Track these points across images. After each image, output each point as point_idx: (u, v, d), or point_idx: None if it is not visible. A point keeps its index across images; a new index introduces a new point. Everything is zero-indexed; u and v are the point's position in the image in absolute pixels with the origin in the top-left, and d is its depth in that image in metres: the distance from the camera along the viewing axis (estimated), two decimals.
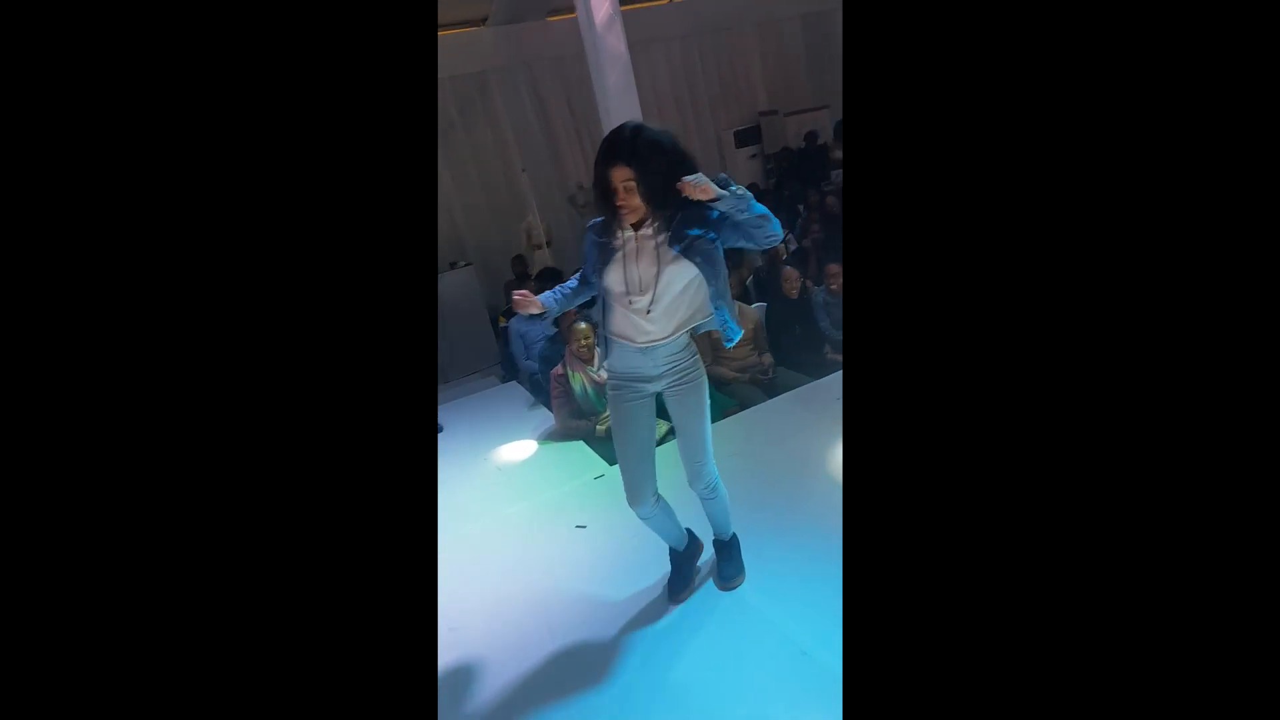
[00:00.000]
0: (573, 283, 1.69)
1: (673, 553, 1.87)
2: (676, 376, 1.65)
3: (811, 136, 6.43)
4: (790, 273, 3.20)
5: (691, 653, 1.65)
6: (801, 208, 5.11)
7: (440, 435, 3.23)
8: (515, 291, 1.61)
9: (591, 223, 1.58)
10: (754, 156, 6.69)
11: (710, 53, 6.64)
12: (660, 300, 1.53)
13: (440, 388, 4.24)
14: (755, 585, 1.82)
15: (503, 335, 4.49)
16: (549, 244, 5.72)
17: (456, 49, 5.48)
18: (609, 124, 4.23)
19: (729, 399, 3.08)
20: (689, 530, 1.91)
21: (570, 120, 6.20)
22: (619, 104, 4.11)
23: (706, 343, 3.20)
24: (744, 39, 6.80)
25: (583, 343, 2.93)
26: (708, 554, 1.94)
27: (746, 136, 6.68)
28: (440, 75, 5.50)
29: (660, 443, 2.78)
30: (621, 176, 1.41)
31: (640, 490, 1.71)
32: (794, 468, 2.38)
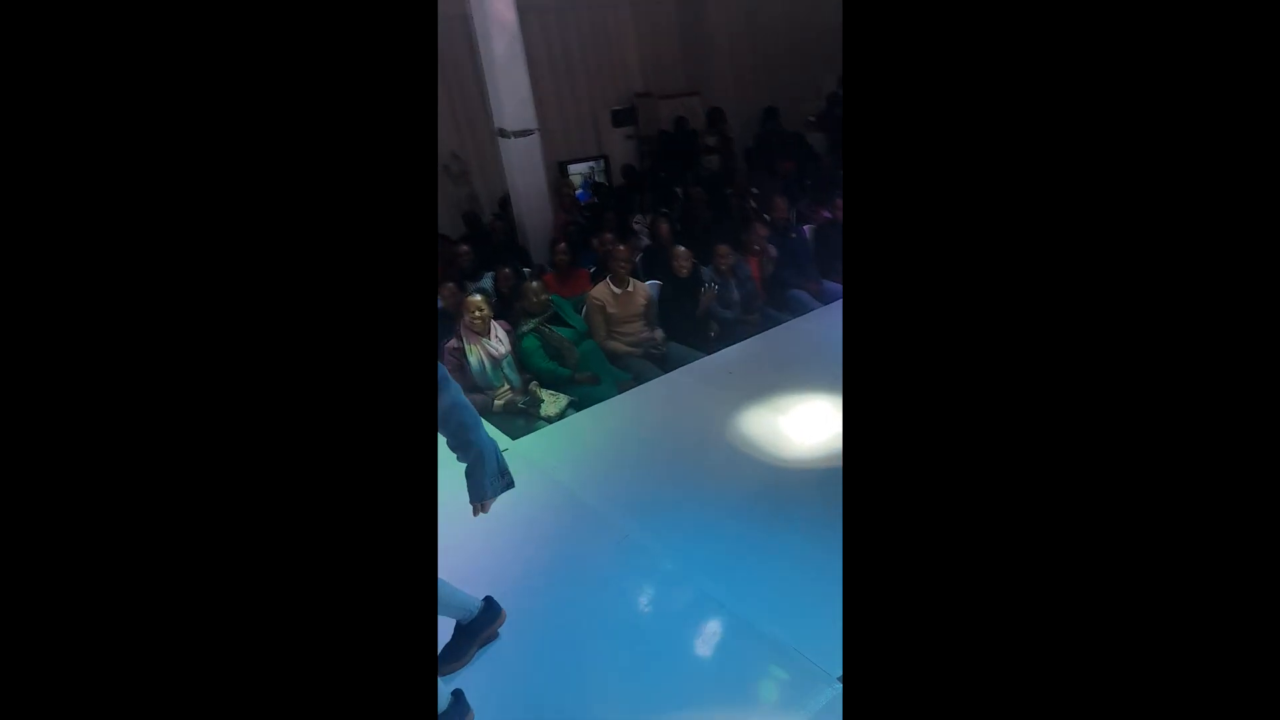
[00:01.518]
0: None
1: (456, 624, 1.67)
2: None
3: (681, 122, 6.64)
4: (681, 252, 3.34)
5: (619, 607, 1.74)
6: (680, 190, 5.29)
7: None
8: None
9: None
10: (630, 137, 6.78)
11: (588, 28, 6.60)
12: None
13: None
14: (669, 546, 1.93)
15: None
16: None
17: None
18: (496, 93, 4.11)
19: (623, 373, 3.18)
20: (487, 599, 1.71)
21: (443, 88, 5.91)
22: (506, 73, 4.01)
23: (601, 317, 3.27)
24: (620, 17, 6.83)
25: (476, 315, 2.88)
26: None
27: (623, 116, 6.74)
28: None
29: (560, 417, 2.83)
30: None
31: None
32: (695, 437, 2.53)
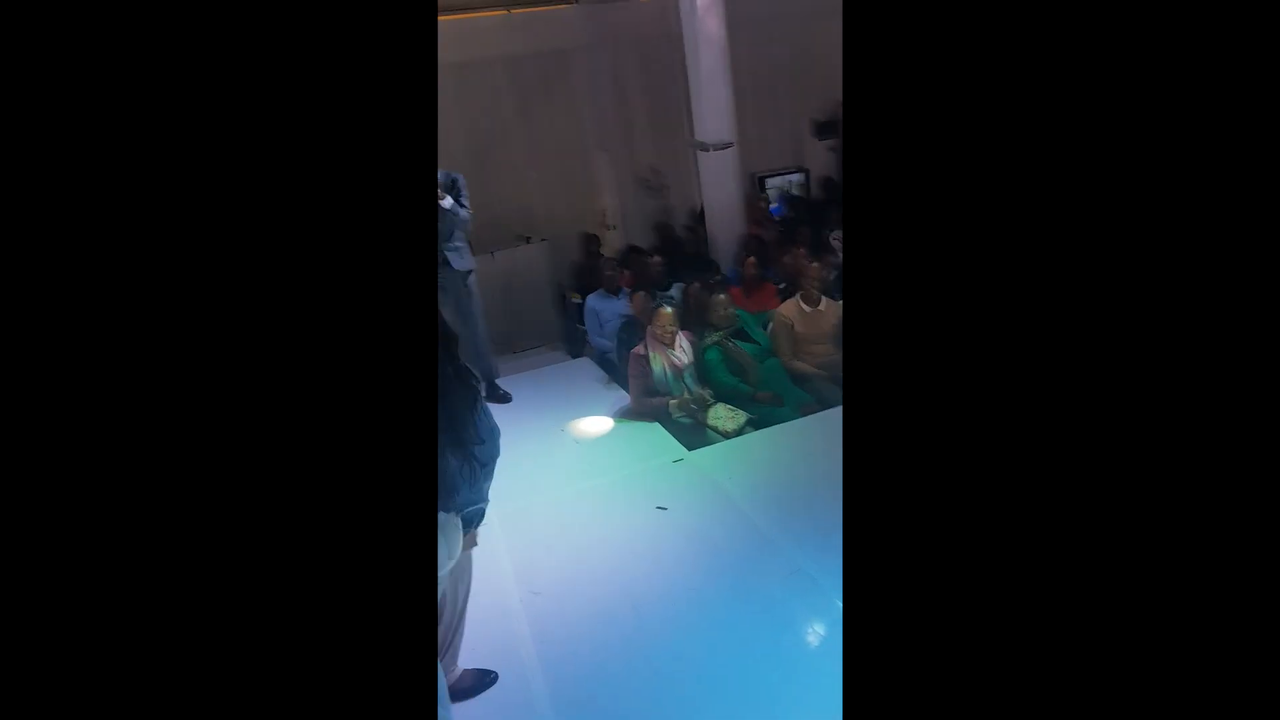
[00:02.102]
0: None
1: None
2: None
3: None
4: None
5: (782, 637, 1.65)
6: None
7: (510, 405, 3.29)
8: None
9: None
10: (833, 149, 6.52)
11: (797, 40, 6.49)
12: None
13: (505, 359, 4.29)
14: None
15: (570, 311, 4.51)
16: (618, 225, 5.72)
17: (542, 26, 5.48)
18: (699, 109, 4.18)
19: (806, 395, 3.04)
20: None
21: (647, 104, 6.16)
22: (710, 87, 4.06)
23: (788, 336, 3.16)
24: (830, 27, 6.62)
25: (667, 327, 2.93)
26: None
27: (826, 128, 6.52)
28: (523, 51, 5.51)
29: (738, 433, 2.77)
30: None
31: None
32: None
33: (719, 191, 4.28)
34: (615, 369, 3.49)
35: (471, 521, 1.44)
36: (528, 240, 5.29)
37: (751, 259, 3.76)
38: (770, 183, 6.01)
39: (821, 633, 1.68)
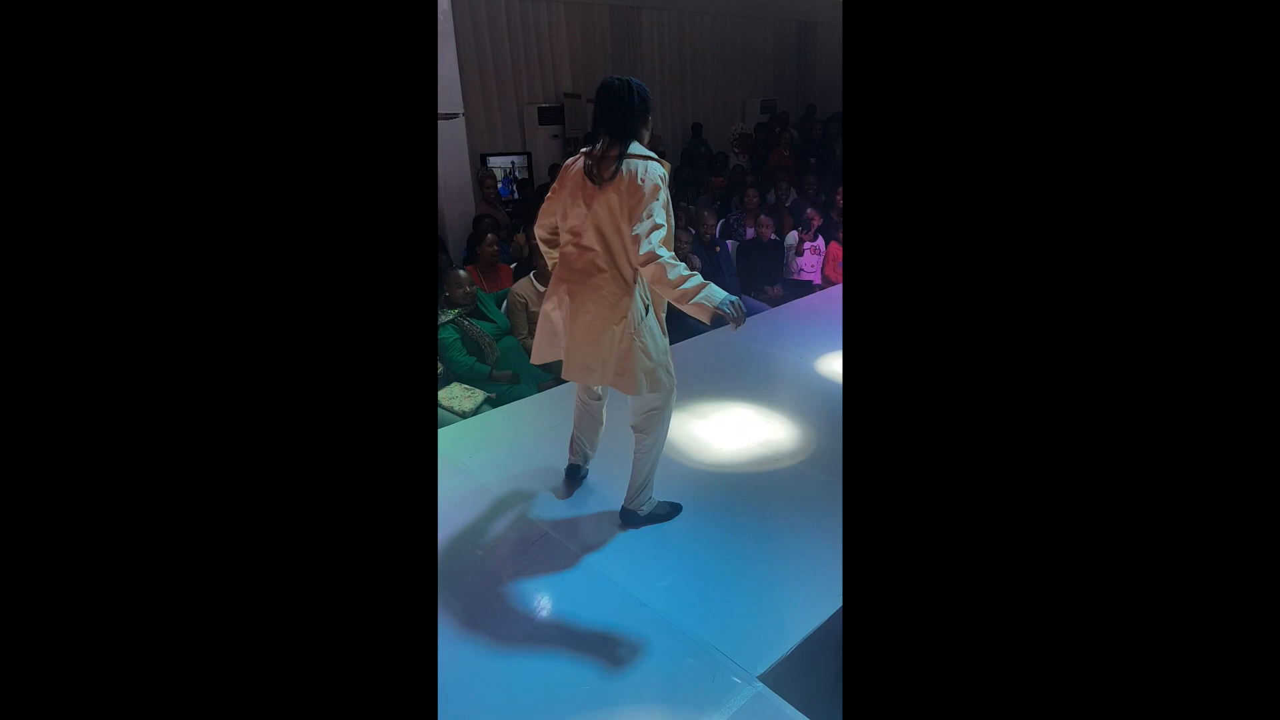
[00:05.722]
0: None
1: None
2: None
3: None
4: None
5: (531, 601, 1.69)
6: None
7: None
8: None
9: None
10: (556, 136, 6.70)
11: (519, 22, 6.49)
12: None
13: None
14: (586, 544, 1.90)
15: None
16: None
17: None
18: None
19: (545, 373, 3.11)
20: None
21: None
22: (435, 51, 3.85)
23: (523, 314, 3.19)
24: (553, 16, 6.77)
25: None
26: None
27: (550, 115, 6.66)
28: None
29: (475, 413, 2.72)
30: None
31: None
32: (614, 439, 2.50)
33: (446, 164, 4.11)
34: None
35: None
36: None
37: (491, 236, 3.69)
38: (493, 161, 5.95)
39: (569, 590, 1.76)
